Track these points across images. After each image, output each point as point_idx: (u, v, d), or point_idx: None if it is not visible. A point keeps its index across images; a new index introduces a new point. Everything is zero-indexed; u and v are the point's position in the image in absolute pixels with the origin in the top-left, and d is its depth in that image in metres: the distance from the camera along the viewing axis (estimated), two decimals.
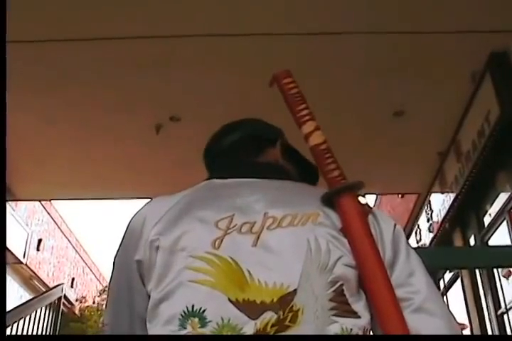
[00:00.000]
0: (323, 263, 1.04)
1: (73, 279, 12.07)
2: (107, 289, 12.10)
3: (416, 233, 7.17)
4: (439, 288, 6.57)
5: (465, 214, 5.68)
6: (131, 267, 1.13)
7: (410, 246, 1.19)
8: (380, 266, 1.06)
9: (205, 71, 4.58)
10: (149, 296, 1.09)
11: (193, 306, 1.00)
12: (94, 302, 12.00)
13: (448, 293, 6.49)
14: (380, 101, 5.09)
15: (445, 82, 4.73)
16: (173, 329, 1.01)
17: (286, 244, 1.07)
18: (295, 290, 1.01)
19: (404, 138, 5.56)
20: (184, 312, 1.01)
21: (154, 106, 5.08)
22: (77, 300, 11.81)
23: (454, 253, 4.88)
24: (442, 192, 5.98)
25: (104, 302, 12.94)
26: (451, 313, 1.10)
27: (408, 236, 7.36)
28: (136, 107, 5.13)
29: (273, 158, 1.31)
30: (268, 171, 1.26)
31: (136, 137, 5.58)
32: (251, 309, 0.99)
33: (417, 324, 1.04)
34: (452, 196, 5.62)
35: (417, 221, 7.18)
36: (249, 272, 1.03)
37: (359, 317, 1.04)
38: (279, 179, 1.24)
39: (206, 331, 0.98)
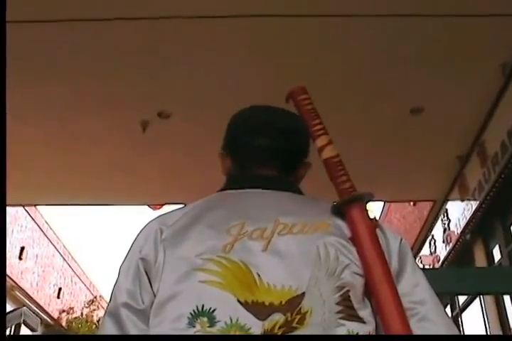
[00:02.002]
0: (332, 270, 1.07)
1: (60, 289, 11.51)
2: (95, 299, 11.61)
3: (430, 243, 6.66)
4: (455, 306, 5.99)
5: (489, 224, 5.17)
6: (138, 264, 1.14)
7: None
8: (387, 275, 1.08)
9: (200, 58, 4.06)
10: (154, 294, 1.10)
11: (202, 306, 1.03)
12: (82, 314, 11.40)
13: (465, 312, 5.91)
14: (395, 96, 4.53)
15: (471, 74, 4.23)
16: (181, 327, 1.02)
17: (296, 249, 1.09)
18: (303, 293, 1.03)
19: (420, 138, 5.05)
20: (194, 311, 1.03)
21: (140, 101, 4.54)
22: (64, 312, 11.23)
23: (480, 275, 4.20)
24: (462, 200, 5.52)
25: (94, 313, 12.45)
26: (454, 324, 1.14)
27: (421, 247, 6.85)
28: (120, 102, 4.60)
29: (300, 176, 1.32)
30: (287, 188, 1.27)
31: (121, 136, 5.07)
32: (259, 310, 1.01)
33: (422, 333, 1.07)
34: (474, 204, 5.19)
35: (431, 230, 6.71)
36: (258, 275, 1.05)
37: (364, 322, 1.06)
38: (288, 192, 1.26)
39: (214, 330, 1.00)
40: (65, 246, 11.98)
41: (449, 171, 5.51)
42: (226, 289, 1.04)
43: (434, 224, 6.54)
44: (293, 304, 1.02)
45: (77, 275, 12.83)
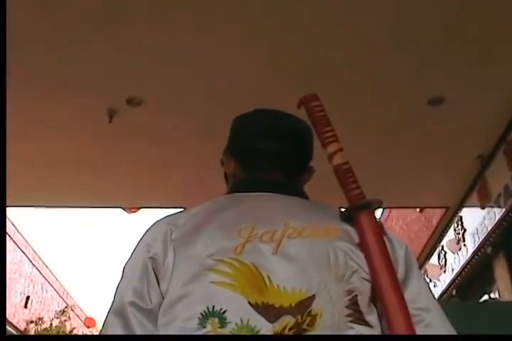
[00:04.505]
0: (341, 274, 1.10)
1: (28, 298, 10.77)
2: (67, 308, 10.80)
3: (439, 255, 6.08)
4: None
5: None
6: (146, 263, 1.15)
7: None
8: (394, 281, 1.11)
9: (177, 31, 3.46)
10: (161, 294, 1.11)
11: (213, 307, 1.04)
12: (52, 325, 10.65)
13: None
14: (411, 85, 3.94)
15: (501, 59, 3.70)
16: (192, 327, 1.03)
17: (306, 252, 1.12)
18: (313, 296, 1.05)
19: (436, 134, 4.46)
20: (204, 311, 1.04)
21: (105, 84, 3.93)
22: (32, 322, 10.49)
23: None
24: (483, 207, 4.94)
25: (66, 324, 11.68)
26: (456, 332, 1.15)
27: (428, 258, 6.33)
28: (80, 86, 3.94)
29: (305, 181, 1.36)
30: (294, 193, 1.30)
31: (84, 126, 4.44)
32: (270, 312, 1.03)
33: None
34: (498, 211, 4.67)
35: (441, 241, 6.23)
36: (268, 277, 1.07)
37: (372, 326, 1.08)
38: (296, 196, 1.29)
39: (225, 331, 1.02)
40: (34, 251, 11.34)
41: (467, 173, 4.98)
42: (237, 290, 1.06)
43: (445, 234, 6.04)
44: (303, 306, 1.04)
45: (49, 283, 12.17)
